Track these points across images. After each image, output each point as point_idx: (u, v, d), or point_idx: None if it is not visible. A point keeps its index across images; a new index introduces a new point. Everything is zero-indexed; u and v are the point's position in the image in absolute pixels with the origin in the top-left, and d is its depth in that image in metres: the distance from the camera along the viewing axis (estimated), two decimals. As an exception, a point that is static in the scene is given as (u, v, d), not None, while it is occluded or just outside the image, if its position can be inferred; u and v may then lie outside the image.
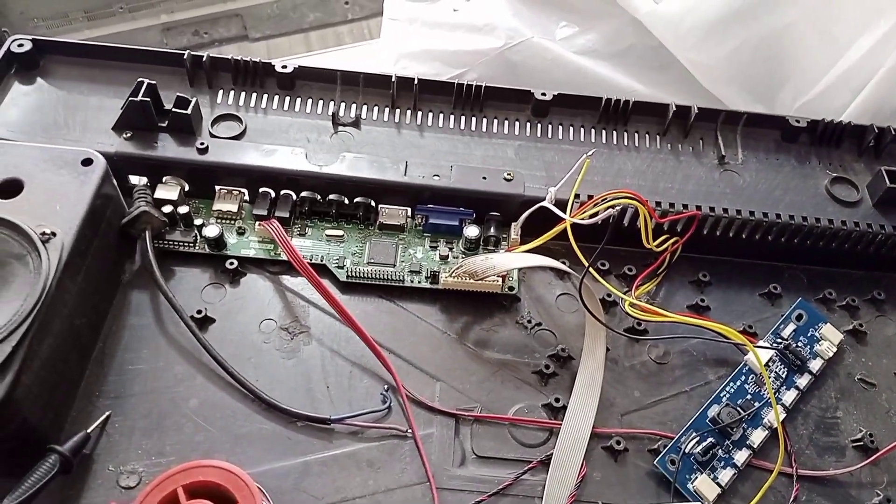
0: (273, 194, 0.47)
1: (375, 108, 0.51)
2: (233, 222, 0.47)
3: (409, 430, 0.41)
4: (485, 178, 0.47)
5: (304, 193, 0.47)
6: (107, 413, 0.40)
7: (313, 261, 0.46)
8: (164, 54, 0.50)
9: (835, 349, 0.45)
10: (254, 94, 0.50)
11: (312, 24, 1.54)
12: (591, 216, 0.43)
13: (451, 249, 0.47)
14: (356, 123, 0.50)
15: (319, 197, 0.47)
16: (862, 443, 0.42)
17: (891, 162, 0.50)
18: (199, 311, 0.43)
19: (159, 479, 0.34)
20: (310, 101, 0.51)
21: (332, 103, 0.51)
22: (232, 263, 0.45)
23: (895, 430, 0.43)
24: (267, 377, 0.42)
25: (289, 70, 0.50)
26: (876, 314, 0.48)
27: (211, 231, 0.45)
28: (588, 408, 0.41)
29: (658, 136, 0.51)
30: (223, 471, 0.35)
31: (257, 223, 0.46)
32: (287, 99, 0.51)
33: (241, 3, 1.15)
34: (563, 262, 0.46)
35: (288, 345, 0.43)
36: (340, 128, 0.50)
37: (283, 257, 0.45)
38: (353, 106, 0.51)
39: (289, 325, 0.44)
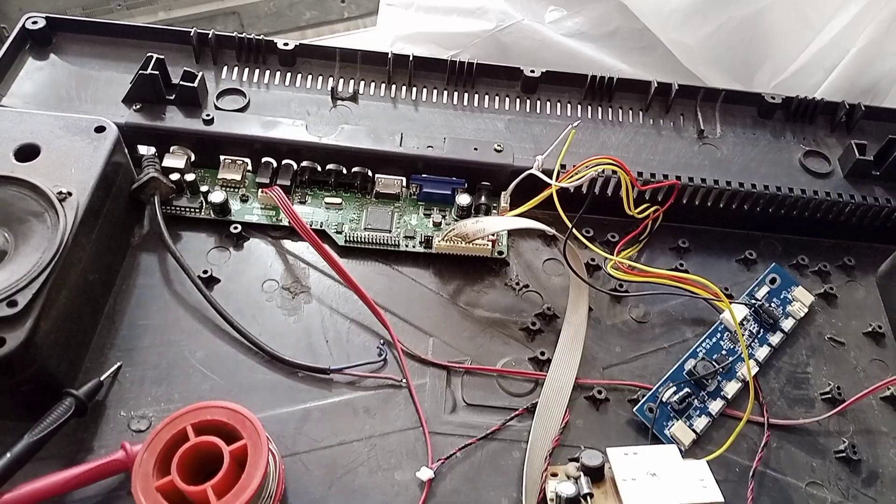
0: (275, 164, 0.49)
1: (372, 84, 0.54)
2: (237, 190, 0.49)
3: (404, 380, 0.43)
4: (476, 149, 0.50)
5: (304, 163, 0.49)
6: (118, 363, 0.42)
7: (313, 226, 0.48)
8: (172, 32, 0.53)
9: (806, 310, 0.48)
10: (257, 70, 0.53)
11: (309, 21, 1.57)
12: (575, 180, 0.46)
13: (444, 217, 0.50)
14: (354, 98, 0.53)
15: (319, 167, 0.49)
16: (830, 395, 0.45)
17: (861, 136, 0.53)
18: (204, 272, 0.46)
19: (170, 419, 0.37)
20: (310, 76, 0.53)
21: (331, 79, 0.53)
22: (236, 228, 0.48)
23: (862, 384, 0.46)
24: (269, 332, 0.44)
25: (290, 47, 0.53)
26: (846, 279, 0.51)
27: (216, 197, 0.48)
28: (571, 360, 0.44)
29: (641, 112, 0.54)
30: (229, 410, 0.37)
31: (261, 190, 0.48)
32: (288, 75, 0.53)
33: (239, 0, 1.18)
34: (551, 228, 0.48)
35: (289, 303, 0.46)
36: (339, 102, 0.52)
37: (285, 223, 0.48)
38: (352, 82, 0.53)
39: (290, 285, 0.47)
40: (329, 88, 0.53)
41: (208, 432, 0.37)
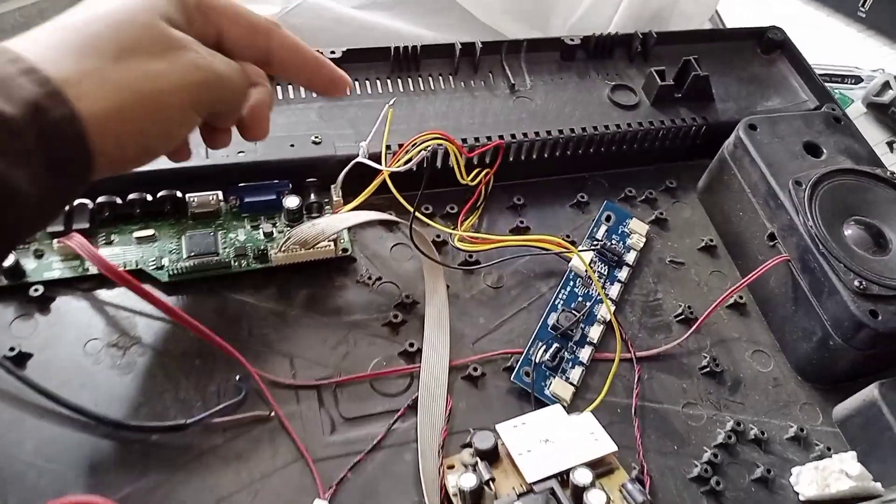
0: (66, 207, 0.43)
1: (159, 96, 0.48)
2: (27, 247, 0.43)
3: (272, 412, 0.40)
4: (292, 145, 0.46)
5: (100, 199, 0.43)
6: (-73, 484, 0.35)
7: (128, 268, 0.43)
8: None
9: (644, 240, 0.50)
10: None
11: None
12: (406, 162, 0.44)
13: (274, 225, 0.46)
14: (142, 115, 0.47)
15: (119, 199, 0.44)
16: (683, 316, 0.47)
17: (658, 63, 0.55)
18: (11, 349, 0.39)
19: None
20: (84, 100, 0.47)
21: (109, 98, 0.47)
22: (37, 290, 0.41)
23: (708, 298, 0.48)
24: (106, 399, 0.39)
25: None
26: (672, 201, 0.54)
27: (4, 261, 0.41)
28: (441, 343, 0.42)
29: (451, 76, 0.53)
30: (82, 505, 0.32)
31: (56, 241, 0.42)
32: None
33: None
34: (390, 213, 0.46)
35: (121, 360, 0.40)
36: (125, 123, 0.46)
37: (93, 271, 0.42)
38: (134, 97, 0.47)
39: (116, 340, 0.41)
40: (110, 109, 0.46)
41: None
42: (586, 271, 0.46)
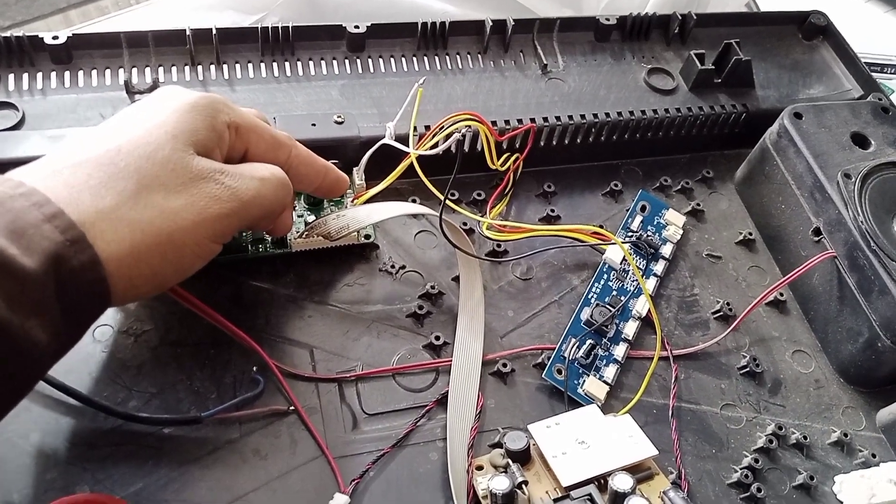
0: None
1: (174, 69, 0.45)
2: (33, 225, 0.40)
3: (291, 406, 0.38)
4: (314, 124, 0.44)
5: (112, 177, 0.41)
6: (-74, 475, 0.33)
7: (141, 250, 0.40)
8: None
9: (681, 231, 0.47)
10: (25, 76, 0.43)
11: (71, 2, 1.39)
12: (434, 146, 0.41)
13: (293, 208, 0.43)
14: (154, 88, 0.44)
15: (132, 178, 0.41)
16: (721, 312, 0.45)
17: (696, 46, 0.52)
18: (15, 334, 0.37)
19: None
20: (94, 72, 0.44)
21: (121, 70, 0.44)
22: (44, 272, 0.39)
23: (747, 294, 0.46)
24: (116, 388, 0.37)
25: (62, 41, 0.43)
26: (709, 192, 0.51)
27: (8, 240, 0.38)
28: (476, 339, 0.40)
29: (480, 55, 0.50)
30: (92, 504, 0.30)
31: (64, 220, 0.40)
32: (67, 74, 0.44)
33: (-20, -13, 1.00)
34: (414, 200, 0.44)
35: (132, 348, 0.38)
36: (137, 96, 0.44)
37: (104, 253, 0.40)
38: (147, 70, 0.45)
39: (128, 327, 0.39)
40: (121, 82, 0.44)
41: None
42: (623, 262, 0.44)
